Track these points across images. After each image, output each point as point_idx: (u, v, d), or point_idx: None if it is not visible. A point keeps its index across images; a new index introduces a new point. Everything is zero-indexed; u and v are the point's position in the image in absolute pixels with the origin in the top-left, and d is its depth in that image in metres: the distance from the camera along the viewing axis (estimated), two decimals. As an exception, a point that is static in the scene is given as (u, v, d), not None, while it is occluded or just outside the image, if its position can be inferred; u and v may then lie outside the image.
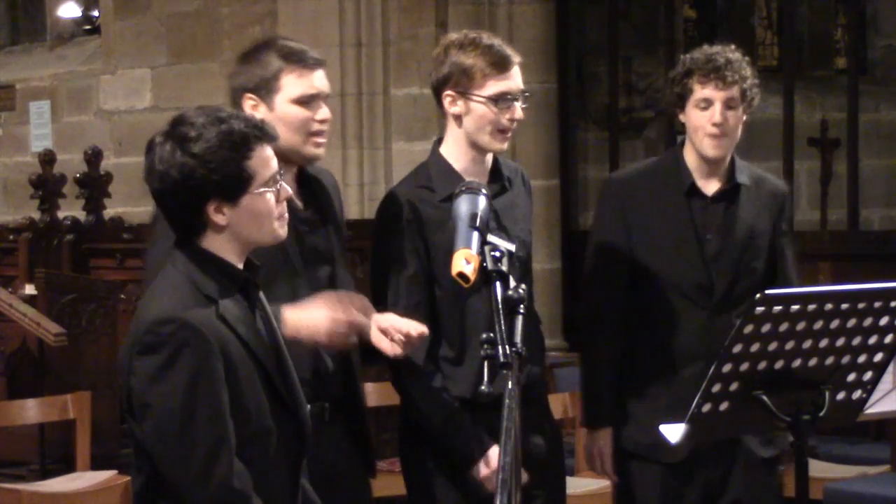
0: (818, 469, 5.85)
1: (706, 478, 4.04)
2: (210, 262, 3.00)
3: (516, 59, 3.81)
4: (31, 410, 6.07)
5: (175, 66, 10.46)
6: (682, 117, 4.08)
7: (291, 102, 3.57)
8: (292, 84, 3.58)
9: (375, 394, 6.15)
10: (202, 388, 2.90)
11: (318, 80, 3.62)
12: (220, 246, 3.01)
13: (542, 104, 8.77)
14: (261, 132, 3.00)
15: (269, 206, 3.01)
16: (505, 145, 3.84)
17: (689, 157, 4.10)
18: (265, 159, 3.00)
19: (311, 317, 3.43)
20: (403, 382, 3.81)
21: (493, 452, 3.68)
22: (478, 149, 3.82)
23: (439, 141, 3.91)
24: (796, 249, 4.22)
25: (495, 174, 3.89)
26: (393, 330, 3.51)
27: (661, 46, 9.34)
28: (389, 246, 3.79)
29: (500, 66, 3.76)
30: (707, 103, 4.01)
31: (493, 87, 3.75)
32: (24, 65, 12.05)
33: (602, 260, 4.13)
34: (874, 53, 11.10)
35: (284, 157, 3.52)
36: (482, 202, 3.27)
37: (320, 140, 3.62)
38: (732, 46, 4.12)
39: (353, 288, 3.62)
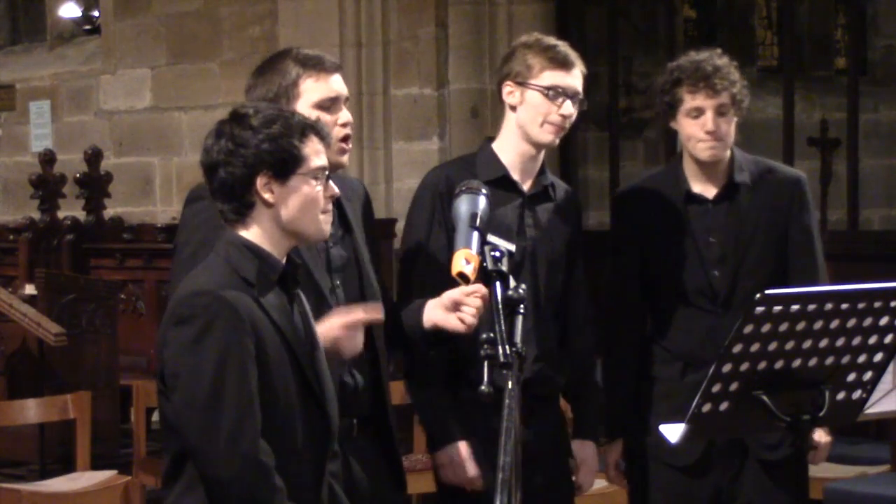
0: (818, 469, 5.83)
1: (717, 480, 4.04)
2: (250, 250, 3.07)
3: (579, 64, 3.92)
4: (31, 410, 6.07)
5: (175, 66, 10.46)
6: (673, 125, 4.09)
7: (313, 107, 3.55)
8: (312, 89, 3.57)
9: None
10: (232, 361, 2.96)
11: (337, 84, 3.62)
12: (265, 232, 3.08)
13: (542, 104, 8.75)
14: (317, 126, 3.12)
15: (317, 194, 3.09)
16: (554, 139, 3.92)
17: (688, 164, 4.12)
18: (317, 150, 3.09)
19: (322, 329, 3.40)
20: (404, 357, 3.89)
21: (454, 447, 3.80)
22: (530, 142, 3.91)
23: (492, 138, 4.01)
24: (818, 240, 4.18)
25: (541, 178, 3.97)
26: (464, 298, 3.46)
27: (661, 46, 9.34)
28: (419, 219, 3.89)
29: (560, 62, 3.87)
30: (698, 112, 4.00)
31: (549, 78, 3.86)
32: (24, 65, 12.05)
33: (616, 275, 4.19)
34: (874, 53, 11.10)
35: None
36: (482, 202, 3.28)
37: (346, 146, 3.61)
38: (719, 51, 4.11)
39: (379, 296, 3.62)
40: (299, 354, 3.09)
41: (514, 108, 3.91)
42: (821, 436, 4.10)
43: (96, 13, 11.67)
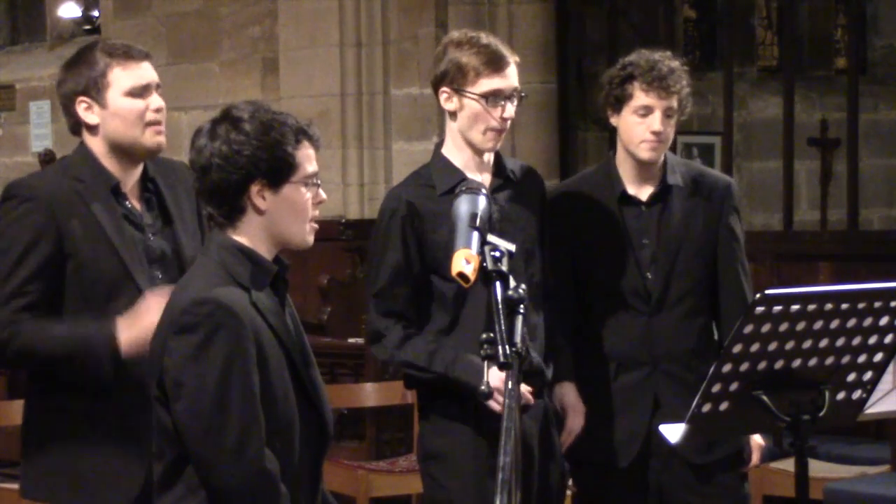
0: (818, 469, 5.85)
1: (657, 481, 4.06)
2: (243, 253, 3.06)
3: (512, 58, 3.88)
4: (31, 410, 6.05)
5: (175, 66, 10.45)
6: (614, 120, 4.08)
7: (124, 95, 3.62)
8: (121, 77, 3.64)
9: (375, 394, 6.16)
10: (237, 369, 2.96)
11: (147, 71, 3.70)
12: (254, 237, 3.08)
13: (542, 104, 8.76)
14: (309, 132, 3.11)
15: (307, 203, 3.10)
16: (496, 144, 3.92)
17: (622, 165, 4.12)
18: (309, 156, 3.10)
19: (141, 320, 3.44)
20: (391, 361, 3.95)
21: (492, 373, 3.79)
22: (474, 149, 3.91)
23: (440, 144, 4.01)
24: (741, 245, 4.19)
25: (498, 169, 3.96)
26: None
27: (661, 46, 9.32)
28: (381, 240, 3.92)
29: (494, 65, 3.83)
30: (647, 111, 4.01)
31: (486, 85, 3.83)
32: (24, 65, 12.04)
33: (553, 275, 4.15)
34: (874, 53, 11.08)
35: (127, 153, 3.62)
36: (482, 202, 3.28)
37: (159, 128, 3.65)
38: (669, 53, 4.13)
39: None
40: (294, 356, 3.10)
41: (453, 114, 3.89)
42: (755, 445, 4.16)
43: (96, 13, 11.67)
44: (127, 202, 3.65)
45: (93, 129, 3.65)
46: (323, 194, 3.14)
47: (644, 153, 4.02)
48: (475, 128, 3.85)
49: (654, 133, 3.98)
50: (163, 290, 3.40)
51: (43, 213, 3.56)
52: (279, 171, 3.05)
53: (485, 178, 3.92)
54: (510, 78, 3.86)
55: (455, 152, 3.93)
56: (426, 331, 3.90)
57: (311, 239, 3.14)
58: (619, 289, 4.06)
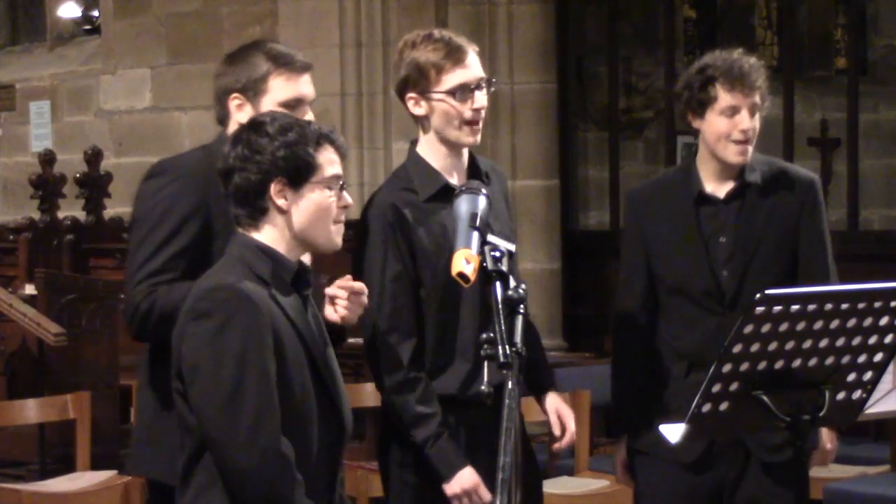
0: (818, 469, 5.83)
1: (720, 477, 4.04)
2: (263, 252, 3.10)
3: (470, 48, 3.77)
4: (31, 410, 6.08)
5: (175, 66, 10.45)
6: (697, 124, 4.02)
7: (277, 106, 3.60)
8: (280, 87, 3.63)
9: (375, 394, 6.15)
10: (252, 354, 2.98)
11: (305, 85, 3.68)
12: (277, 237, 3.12)
13: (542, 104, 8.77)
14: (333, 138, 3.15)
15: (329, 204, 3.12)
16: (476, 138, 3.79)
17: (703, 165, 4.07)
18: (331, 160, 3.13)
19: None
20: (386, 394, 3.82)
21: (463, 475, 3.71)
22: (450, 146, 3.79)
23: (415, 142, 3.87)
24: (829, 245, 4.15)
25: (473, 170, 3.86)
26: (336, 291, 3.49)
27: (661, 46, 9.34)
28: (373, 250, 3.76)
29: (453, 57, 3.73)
30: (733, 111, 3.95)
31: (450, 80, 3.72)
32: (24, 65, 12.05)
33: (625, 274, 4.18)
34: (874, 53, 11.09)
35: None
36: (482, 202, 3.28)
37: None
38: (741, 50, 4.08)
39: None
40: (314, 351, 3.12)
41: (425, 118, 3.77)
42: (830, 439, 4.11)
43: (96, 13, 11.67)
44: None
45: None
46: (349, 198, 3.16)
47: (734, 157, 3.97)
48: (450, 125, 3.74)
49: (743, 131, 3.95)
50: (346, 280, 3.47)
51: (195, 192, 3.60)
52: (299, 170, 3.08)
53: (463, 181, 3.75)
54: (473, 68, 3.74)
55: (432, 154, 3.80)
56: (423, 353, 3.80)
57: (338, 240, 3.16)
58: (692, 288, 4.02)
